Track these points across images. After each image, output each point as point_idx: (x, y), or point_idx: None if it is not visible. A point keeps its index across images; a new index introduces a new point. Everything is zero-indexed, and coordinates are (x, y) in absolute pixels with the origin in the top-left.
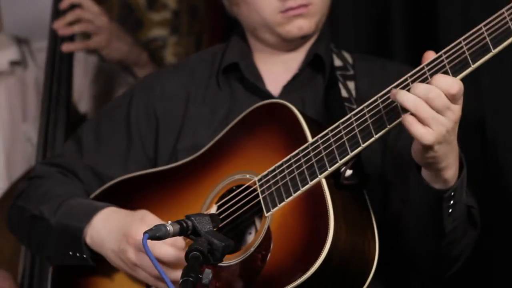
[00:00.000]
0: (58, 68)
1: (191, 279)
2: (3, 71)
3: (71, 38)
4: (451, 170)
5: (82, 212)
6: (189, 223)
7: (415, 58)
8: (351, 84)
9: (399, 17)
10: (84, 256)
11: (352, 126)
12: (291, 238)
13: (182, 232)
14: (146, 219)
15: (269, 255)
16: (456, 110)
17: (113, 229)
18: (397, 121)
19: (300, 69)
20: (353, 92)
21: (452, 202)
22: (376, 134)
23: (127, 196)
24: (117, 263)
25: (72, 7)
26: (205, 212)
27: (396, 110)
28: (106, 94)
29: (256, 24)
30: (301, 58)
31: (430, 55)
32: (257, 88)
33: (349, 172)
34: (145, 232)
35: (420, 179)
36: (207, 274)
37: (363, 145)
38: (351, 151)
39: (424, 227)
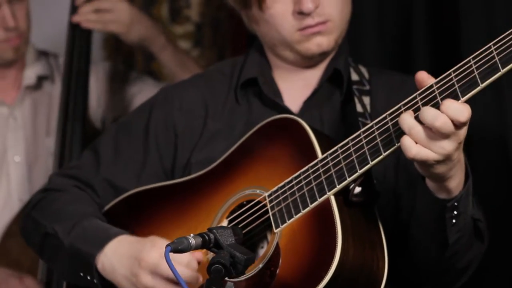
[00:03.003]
0: (75, 83)
1: None
2: (30, 85)
3: (87, 53)
4: (454, 181)
5: (95, 237)
6: (211, 236)
7: (437, 73)
8: (366, 99)
9: (421, 33)
10: (95, 281)
11: (361, 143)
12: (299, 254)
13: (204, 245)
14: (157, 243)
15: (277, 271)
16: (461, 133)
17: (124, 255)
18: None
19: (319, 85)
20: (368, 107)
21: (455, 212)
22: (384, 151)
23: (140, 209)
24: None
25: None
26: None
27: None
28: (120, 99)
29: (275, 41)
30: (320, 74)
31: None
32: (276, 104)
33: (358, 189)
34: (167, 245)
35: (425, 188)
36: (229, 287)
37: (372, 163)
38: (360, 168)
39: (428, 237)
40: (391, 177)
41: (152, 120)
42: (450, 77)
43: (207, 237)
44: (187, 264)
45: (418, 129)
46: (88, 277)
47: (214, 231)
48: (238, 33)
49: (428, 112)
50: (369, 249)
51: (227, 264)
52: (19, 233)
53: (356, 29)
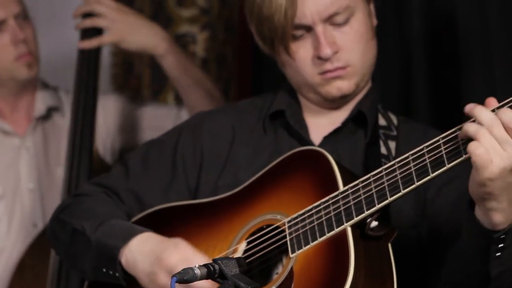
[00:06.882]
0: (82, 116)
1: None
2: (41, 116)
3: (94, 88)
4: (501, 215)
5: (121, 233)
6: (216, 266)
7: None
8: (392, 144)
9: (421, 78)
10: (117, 275)
11: (382, 180)
12: (311, 281)
13: (209, 275)
14: (179, 246)
15: None
16: None
17: (147, 252)
18: (425, 179)
19: (343, 123)
20: (393, 151)
21: (502, 245)
22: (403, 189)
23: (164, 224)
24: (147, 286)
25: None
26: (234, 248)
27: (425, 169)
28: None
29: (300, 83)
30: (346, 115)
31: (492, 102)
32: (301, 136)
33: (374, 224)
34: (173, 276)
35: (473, 218)
36: None
37: (390, 199)
38: (378, 203)
39: (470, 270)
40: (410, 221)
41: (181, 140)
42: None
43: (212, 268)
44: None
45: (484, 131)
46: (111, 272)
47: (219, 261)
48: (243, 68)
49: (510, 113)
50: (380, 283)
51: None
52: (32, 265)
53: None
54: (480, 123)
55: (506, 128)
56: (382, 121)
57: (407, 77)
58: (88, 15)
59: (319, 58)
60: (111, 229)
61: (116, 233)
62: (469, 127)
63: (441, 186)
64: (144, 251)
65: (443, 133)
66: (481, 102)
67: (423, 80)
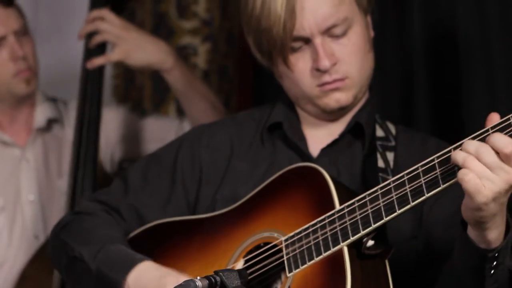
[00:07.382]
0: (86, 129)
1: None
2: (41, 127)
3: (99, 100)
4: (495, 232)
5: (120, 264)
6: (218, 278)
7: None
8: (390, 155)
9: (422, 94)
10: None
11: (378, 199)
12: None
13: (210, 287)
14: (166, 282)
15: None
16: (511, 171)
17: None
18: (420, 199)
19: (340, 135)
20: (391, 163)
21: (495, 263)
22: (399, 209)
23: (161, 240)
24: None
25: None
26: (231, 265)
27: (420, 189)
28: (129, 140)
29: (298, 95)
30: (344, 126)
31: (494, 118)
32: (299, 149)
33: (371, 243)
34: None
35: (466, 238)
36: None
37: (386, 219)
38: (374, 223)
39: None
40: (408, 234)
41: (180, 155)
42: (508, 122)
43: (213, 280)
44: None
45: (472, 159)
46: None
47: (221, 273)
48: (244, 80)
49: (471, 142)
50: None
51: None
52: (34, 277)
53: None
54: (468, 153)
55: (499, 153)
56: (380, 132)
57: (408, 85)
58: (93, 33)
59: (318, 70)
60: (111, 257)
61: (115, 263)
62: (457, 156)
63: (437, 198)
64: (143, 286)
65: (442, 141)
66: (482, 108)
67: (424, 87)
